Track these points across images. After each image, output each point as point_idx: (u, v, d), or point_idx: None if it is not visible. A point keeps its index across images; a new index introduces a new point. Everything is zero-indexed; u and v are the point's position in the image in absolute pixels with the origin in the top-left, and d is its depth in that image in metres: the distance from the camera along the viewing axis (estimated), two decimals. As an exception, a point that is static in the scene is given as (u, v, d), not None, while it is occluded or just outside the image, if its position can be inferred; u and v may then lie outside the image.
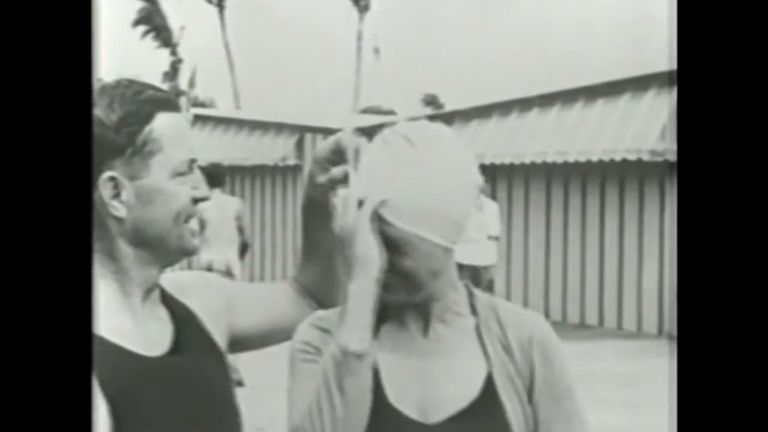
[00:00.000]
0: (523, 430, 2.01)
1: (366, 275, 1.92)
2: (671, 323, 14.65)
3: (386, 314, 2.04)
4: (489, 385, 2.02)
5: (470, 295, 2.09)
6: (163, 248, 2.04)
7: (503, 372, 2.03)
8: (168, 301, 2.12)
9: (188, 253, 2.07)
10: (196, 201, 2.03)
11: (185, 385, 2.03)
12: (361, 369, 1.90)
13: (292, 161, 18.81)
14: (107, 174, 1.98)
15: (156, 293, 2.09)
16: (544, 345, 2.05)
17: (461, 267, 2.08)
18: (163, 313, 2.10)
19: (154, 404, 1.98)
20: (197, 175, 2.03)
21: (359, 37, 41.45)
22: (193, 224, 2.05)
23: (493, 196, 15.31)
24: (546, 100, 16.29)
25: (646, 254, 15.27)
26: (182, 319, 2.09)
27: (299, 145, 18.76)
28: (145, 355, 2.00)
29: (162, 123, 2.00)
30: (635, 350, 13.65)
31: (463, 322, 2.06)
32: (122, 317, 2.02)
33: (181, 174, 2.01)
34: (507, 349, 2.04)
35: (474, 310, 2.07)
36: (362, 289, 1.92)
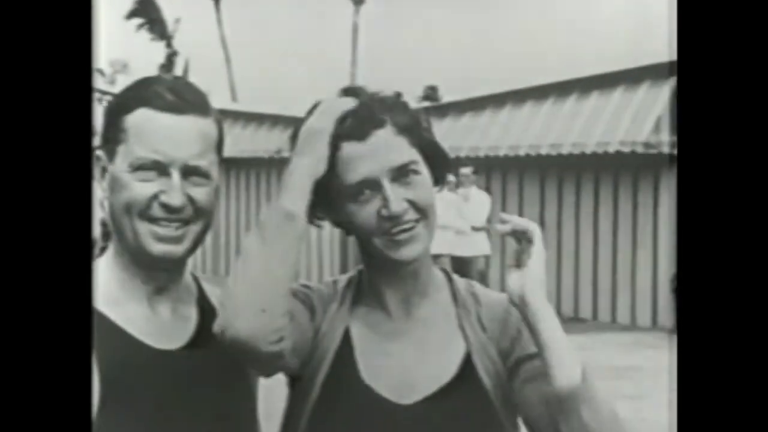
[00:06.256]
0: (503, 408, 2.02)
1: (312, 151, 1.98)
2: (665, 316, 14.67)
3: (366, 297, 2.08)
4: (467, 364, 2.03)
5: (449, 280, 2.12)
6: (124, 242, 2.05)
7: (482, 351, 2.04)
8: (203, 302, 2.14)
9: (147, 254, 2.03)
10: (164, 206, 2.02)
11: (190, 378, 2.03)
12: (287, 228, 1.91)
13: (287, 154, 18.72)
14: (96, 153, 2.01)
15: (182, 292, 2.11)
16: (520, 319, 2.04)
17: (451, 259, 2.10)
18: (191, 313, 2.11)
19: (143, 392, 2.00)
20: (171, 181, 2.01)
21: (355, 30, 41.43)
22: (162, 230, 2.02)
23: (488, 189, 15.32)
24: (540, 93, 16.29)
25: (640, 247, 15.28)
26: (209, 320, 2.05)
27: (294, 138, 18.71)
28: (151, 346, 2.03)
29: (135, 117, 2.02)
30: (629, 343, 13.67)
31: (444, 306, 2.08)
32: (133, 304, 2.06)
33: (140, 169, 2.01)
34: (484, 327, 2.06)
35: (454, 297, 2.09)
36: (306, 163, 1.97)
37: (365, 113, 1.99)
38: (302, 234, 1.93)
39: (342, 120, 1.98)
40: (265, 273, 1.89)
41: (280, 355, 1.91)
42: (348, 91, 2.05)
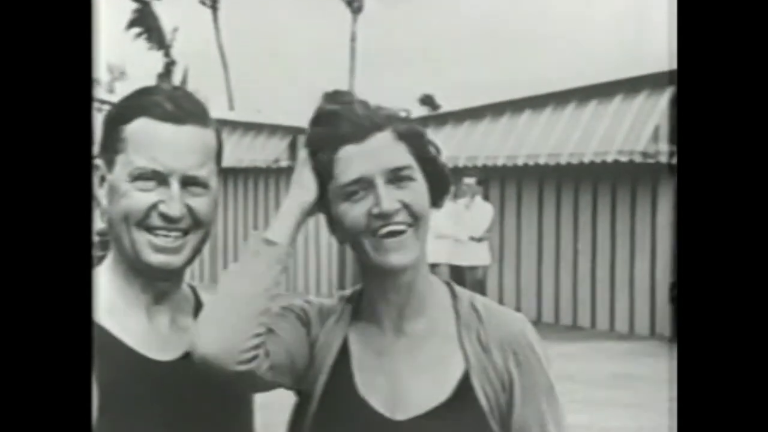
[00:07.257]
0: (499, 428, 2.01)
1: (300, 196, 2.00)
2: (663, 324, 14.67)
3: (364, 311, 2.07)
4: (465, 384, 2.01)
5: (453, 296, 2.09)
6: (122, 251, 2.05)
7: (482, 371, 2.02)
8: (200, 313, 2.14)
9: (145, 264, 2.03)
10: (163, 216, 2.02)
11: (187, 389, 2.03)
12: (262, 252, 1.95)
13: (285, 163, 18.81)
14: (94, 162, 2.01)
15: (180, 302, 2.11)
16: (522, 344, 2.04)
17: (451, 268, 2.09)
18: (189, 323, 2.10)
19: (141, 403, 2.00)
20: (170, 191, 2.02)
21: (353, 39, 41.50)
22: (160, 240, 2.03)
23: (486, 198, 15.32)
24: (538, 102, 16.30)
25: (638, 255, 15.28)
26: None
27: (292, 147, 18.76)
28: (149, 357, 2.03)
29: (135, 127, 2.03)
30: (627, 351, 13.66)
31: (444, 322, 2.06)
32: (131, 314, 2.06)
33: (140, 179, 2.01)
34: (485, 347, 2.03)
35: (456, 311, 2.07)
36: (295, 203, 2.00)
37: (365, 117, 2.00)
38: (281, 259, 1.95)
39: (338, 124, 2.00)
40: (235, 293, 1.92)
41: (251, 374, 1.92)
42: (331, 96, 2.05)
